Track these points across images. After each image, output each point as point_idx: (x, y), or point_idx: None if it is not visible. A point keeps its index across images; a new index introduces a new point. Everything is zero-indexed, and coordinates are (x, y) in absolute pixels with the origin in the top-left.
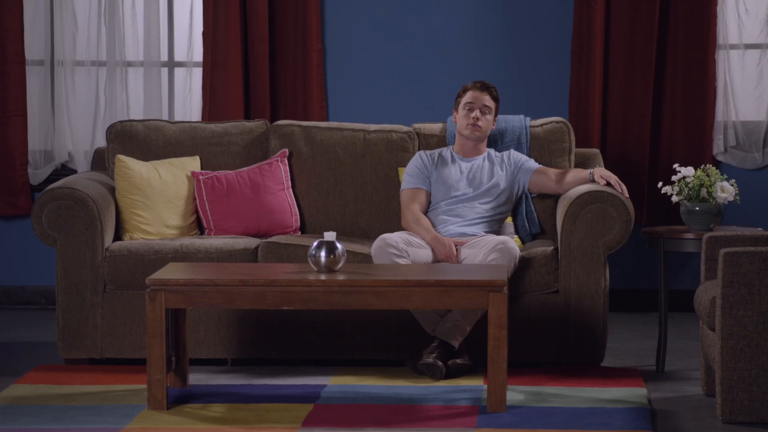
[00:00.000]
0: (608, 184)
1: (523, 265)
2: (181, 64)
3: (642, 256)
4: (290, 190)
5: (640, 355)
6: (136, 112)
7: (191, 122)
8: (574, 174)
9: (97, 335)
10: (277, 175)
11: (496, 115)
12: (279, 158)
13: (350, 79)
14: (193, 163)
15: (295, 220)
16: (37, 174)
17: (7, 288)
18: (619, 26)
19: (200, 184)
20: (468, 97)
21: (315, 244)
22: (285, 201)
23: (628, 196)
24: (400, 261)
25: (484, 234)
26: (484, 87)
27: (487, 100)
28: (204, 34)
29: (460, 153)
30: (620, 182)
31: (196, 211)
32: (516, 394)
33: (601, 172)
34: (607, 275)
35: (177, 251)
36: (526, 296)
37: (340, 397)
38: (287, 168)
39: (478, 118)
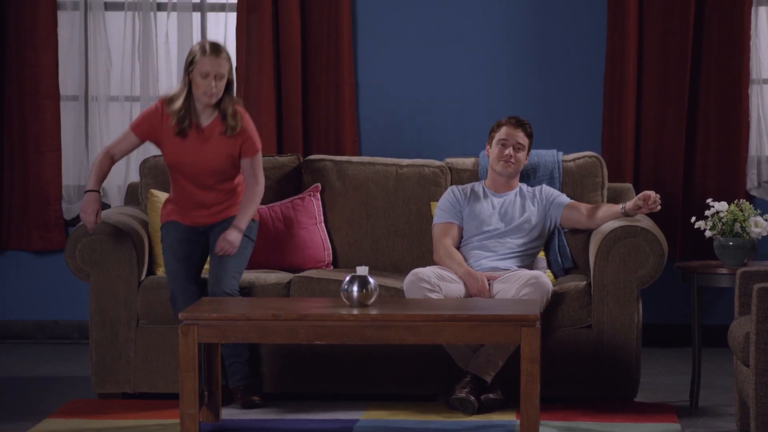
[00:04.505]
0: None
1: (556, 299)
2: None
3: (675, 291)
4: (322, 224)
5: (673, 391)
6: None
7: None
8: (606, 209)
9: (130, 370)
10: (309, 210)
11: (529, 151)
12: (311, 192)
13: (383, 114)
14: None
15: (328, 255)
16: (71, 209)
17: (41, 322)
18: (651, 61)
19: None
20: (502, 133)
21: (347, 278)
22: (317, 235)
23: (659, 201)
24: (433, 296)
25: (516, 268)
26: (519, 123)
27: (521, 137)
28: (237, 68)
29: (492, 188)
30: (656, 195)
31: None
32: (549, 429)
33: (631, 205)
34: (640, 310)
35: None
36: (558, 331)
37: None
38: (319, 202)
39: (511, 156)
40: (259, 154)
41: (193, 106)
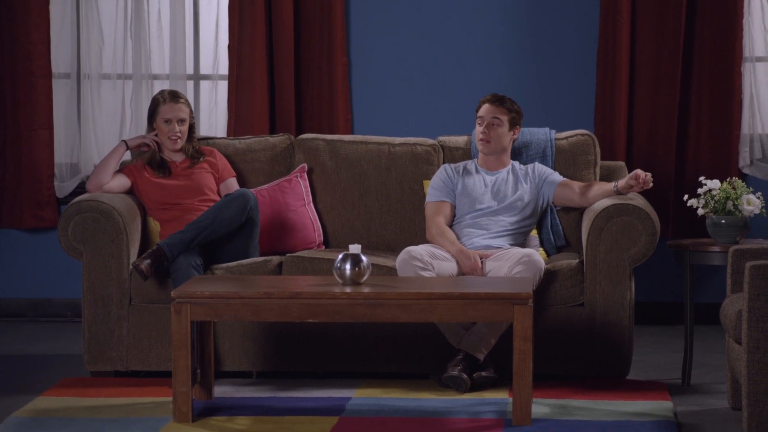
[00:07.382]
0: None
1: (549, 278)
2: (206, 77)
3: (667, 269)
4: (311, 205)
5: (665, 369)
6: None
7: (215, 138)
8: (599, 187)
9: (123, 348)
10: (297, 192)
11: (512, 127)
12: (298, 173)
13: (375, 93)
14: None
15: (318, 236)
16: (63, 187)
17: (34, 300)
18: (644, 39)
19: None
20: (481, 111)
21: (340, 256)
22: (307, 217)
23: (650, 179)
24: (425, 274)
25: (509, 247)
26: (495, 99)
27: (499, 112)
28: (230, 47)
29: (484, 166)
30: (646, 174)
31: None
32: (541, 407)
33: (623, 183)
34: (633, 288)
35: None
36: (551, 309)
37: (365, 410)
38: (307, 183)
39: (486, 133)
40: (234, 179)
41: (161, 152)
